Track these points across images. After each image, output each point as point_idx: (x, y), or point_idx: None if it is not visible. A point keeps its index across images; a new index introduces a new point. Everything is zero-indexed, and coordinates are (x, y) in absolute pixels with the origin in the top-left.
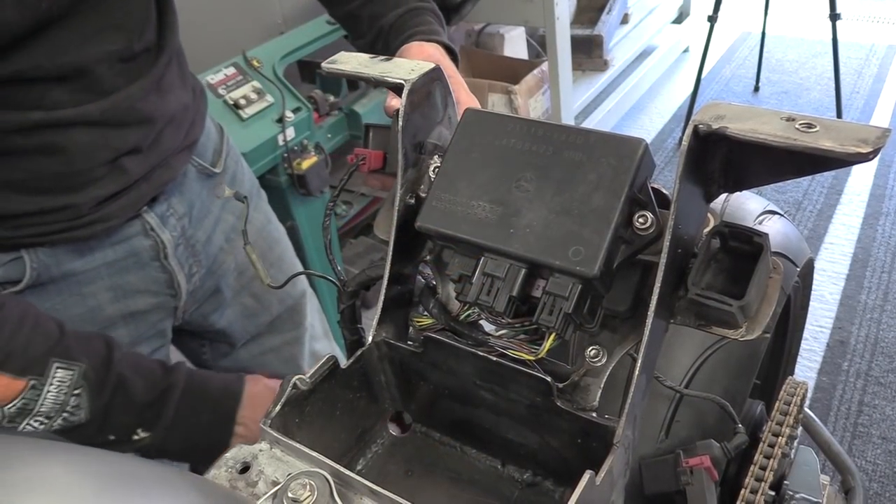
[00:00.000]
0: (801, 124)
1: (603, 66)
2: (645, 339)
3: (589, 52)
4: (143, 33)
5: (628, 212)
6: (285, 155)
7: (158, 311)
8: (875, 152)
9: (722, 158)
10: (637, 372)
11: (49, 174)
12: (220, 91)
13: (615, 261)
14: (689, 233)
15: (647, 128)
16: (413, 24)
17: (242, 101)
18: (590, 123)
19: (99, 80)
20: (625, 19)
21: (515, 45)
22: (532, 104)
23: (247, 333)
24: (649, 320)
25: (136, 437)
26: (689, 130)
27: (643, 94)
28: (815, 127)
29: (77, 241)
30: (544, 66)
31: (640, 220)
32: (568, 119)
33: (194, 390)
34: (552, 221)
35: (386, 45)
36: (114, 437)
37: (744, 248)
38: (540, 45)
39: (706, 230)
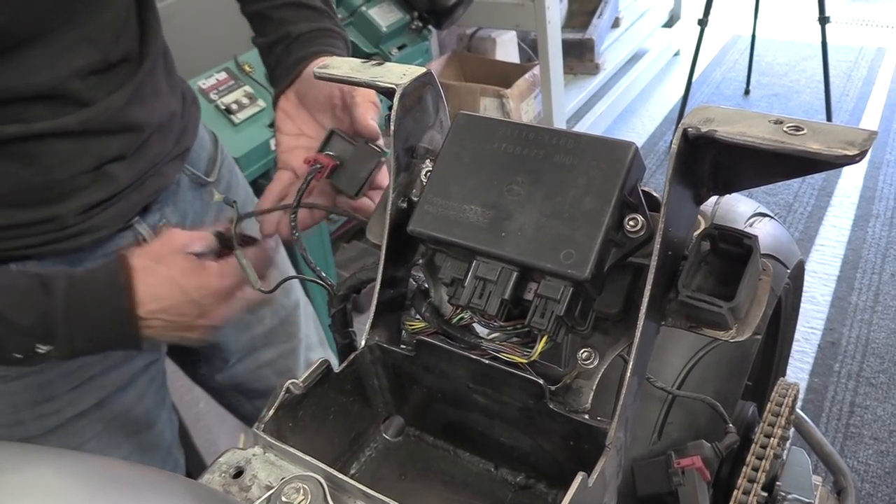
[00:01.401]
0: (788, 127)
1: (594, 69)
2: (636, 341)
3: (580, 56)
4: (118, 44)
5: (619, 215)
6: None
7: None
8: (862, 154)
9: (711, 161)
10: (629, 374)
11: (28, 186)
12: (212, 96)
13: (606, 263)
14: (679, 235)
15: (638, 131)
16: (322, 42)
17: (234, 106)
18: (582, 127)
19: (76, 94)
20: (616, 23)
21: (507, 48)
22: (524, 108)
23: (241, 346)
24: (640, 322)
25: (40, 352)
26: (678, 134)
27: (634, 97)
28: (803, 130)
29: (66, 254)
30: (536, 70)
31: (631, 222)
32: (560, 122)
33: (76, 298)
34: (543, 225)
35: (287, 52)
36: (19, 355)
37: (734, 250)
38: (531, 48)
39: (696, 232)
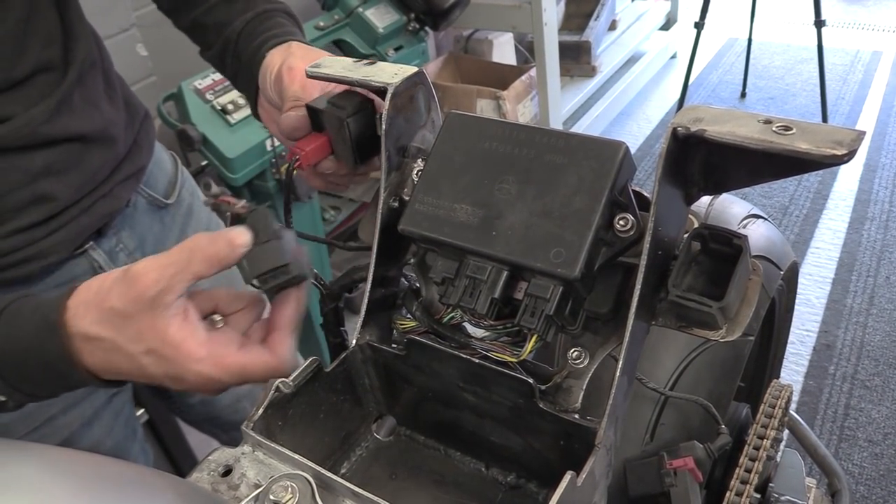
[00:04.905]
0: (777, 127)
1: (591, 71)
2: (626, 340)
3: (577, 58)
4: (24, 56)
5: (609, 214)
6: (273, 160)
7: None
8: (850, 154)
9: (701, 161)
10: (618, 373)
11: None
12: (208, 96)
13: (596, 263)
14: (669, 235)
15: (634, 133)
16: (265, 29)
17: (230, 107)
18: (578, 129)
19: None
20: (613, 25)
21: (504, 50)
22: (520, 110)
23: None
24: (630, 322)
25: None
26: (667, 133)
27: (631, 99)
28: (792, 129)
29: (12, 284)
30: (532, 72)
31: (621, 222)
32: (556, 124)
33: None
34: (533, 224)
35: (236, 56)
36: None
37: (724, 250)
38: (528, 50)
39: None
